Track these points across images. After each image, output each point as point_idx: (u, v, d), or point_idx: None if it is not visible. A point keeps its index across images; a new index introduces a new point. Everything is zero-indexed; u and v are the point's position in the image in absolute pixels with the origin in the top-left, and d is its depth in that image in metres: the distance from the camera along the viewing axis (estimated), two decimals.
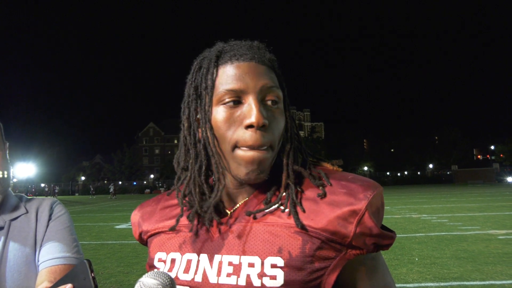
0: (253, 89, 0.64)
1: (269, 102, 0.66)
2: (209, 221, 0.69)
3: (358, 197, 0.62)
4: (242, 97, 0.64)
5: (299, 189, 0.68)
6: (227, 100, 0.64)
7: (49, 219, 1.11)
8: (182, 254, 0.70)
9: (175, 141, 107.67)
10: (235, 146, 0.64)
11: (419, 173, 66.79)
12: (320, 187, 0.66)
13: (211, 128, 0.66)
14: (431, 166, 70.13)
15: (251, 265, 0.62)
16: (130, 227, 12.01)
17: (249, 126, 0.63)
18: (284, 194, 0.67)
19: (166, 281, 0.62)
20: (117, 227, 12.33)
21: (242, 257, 0.63)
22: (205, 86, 0.67)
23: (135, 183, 66.26)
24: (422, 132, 78.86)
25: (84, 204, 27.27)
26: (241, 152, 0.64)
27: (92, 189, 45.49)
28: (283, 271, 0.60)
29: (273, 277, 0.60)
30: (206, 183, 0.70)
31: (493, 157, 74.84)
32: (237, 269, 0.62)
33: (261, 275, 0.60)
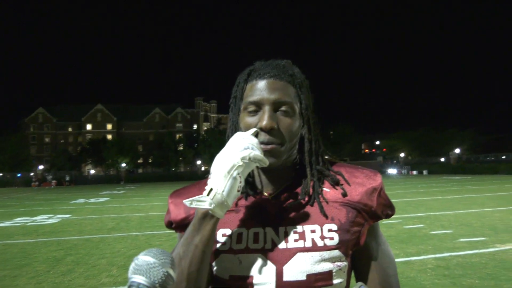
0: (267, 101, 0.85)
1: (281, 112, 0.87)
2: (245, 195, 0.90)
3: (374, 179, 0.90)
4: (260, 107, 0.86)
5: (326, 180, 0.91)
6: (249, 109, 0.87)
7: None
8: (247, 229, 0.86)
9: (69, 129, 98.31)
10: None
11: None
12: (343, 176, 0.91)
13: (238, 128, 0.91)
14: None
15: (313, 231, 0.83)
16: (16, 224, 11.04)
17: (262, 129, 0.84)
18: (311, 185, 0.89)
19: (165, 259, 0.60)
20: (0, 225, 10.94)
21: (304, 226, 0.84)
22: (235, 97, 0.92)
23: (19, 174, 59.07)
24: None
25: None
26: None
27: None
28: (337, 233, 0.83)
29: (331, 238, 0.83)
30: None
31: (377, 151, 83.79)
32: (302, 235, 0.83)
33: (322, 237, 0.83)
